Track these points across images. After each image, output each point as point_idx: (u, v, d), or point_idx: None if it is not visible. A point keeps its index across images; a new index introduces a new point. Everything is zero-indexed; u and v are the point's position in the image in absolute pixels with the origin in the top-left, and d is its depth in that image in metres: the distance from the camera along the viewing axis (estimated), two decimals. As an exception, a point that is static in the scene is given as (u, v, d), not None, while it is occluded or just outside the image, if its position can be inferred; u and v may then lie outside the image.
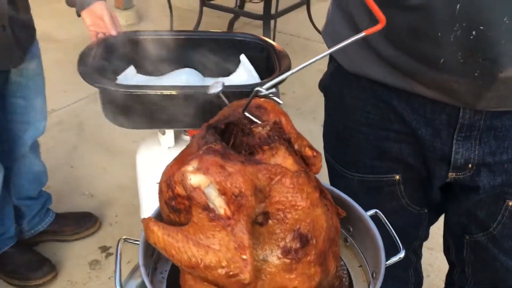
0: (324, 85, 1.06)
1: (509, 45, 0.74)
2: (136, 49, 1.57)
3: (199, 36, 1.64)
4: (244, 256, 0.57)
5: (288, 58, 1.46)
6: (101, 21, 1.47)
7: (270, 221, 0.61)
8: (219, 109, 0.72)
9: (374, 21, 0.85)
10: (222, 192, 0.57)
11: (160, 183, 0.63)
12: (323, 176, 0.98)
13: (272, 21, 3.39)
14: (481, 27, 0.74)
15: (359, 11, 0.89)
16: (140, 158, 1.61)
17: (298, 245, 0.62)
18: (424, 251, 2.07)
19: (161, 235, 0.60)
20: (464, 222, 1.01)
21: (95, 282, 1.94)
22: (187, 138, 1.58)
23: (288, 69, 1.42)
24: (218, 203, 0.57)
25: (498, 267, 1.01)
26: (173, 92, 1.30)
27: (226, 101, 0.67)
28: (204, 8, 3.50)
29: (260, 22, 3.44)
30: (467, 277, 1.09)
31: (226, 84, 0.69)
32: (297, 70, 0.62)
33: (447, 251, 1.14)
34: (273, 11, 3.37)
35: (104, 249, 2.09)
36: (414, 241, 1.16)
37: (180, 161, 0.61)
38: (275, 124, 0.64)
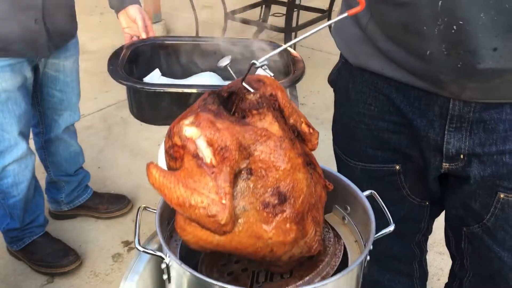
0: (332, 80, 1.15)
1: (485, 39, 0.81)
2: (161, 53, 1.68)
3: (219, 42, 1.75)
4: (223, 201, 0.66)
5: (302, 62, 1.54)
6: (135, 24, 1.60)
7: (252, 177, 0.69)
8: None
9: (372, 15, 0.94)
10: (210, 144, 0.66)
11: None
12: (333, 166, 1.06)
13: (294, 34, 3.50)
14: (460, 22, 0.81)
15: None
16: (162, 155, 1.71)
17: (276, 201, 0.69)
18: (436, 255, 2.10)
19: (158, 177, 0.70)
20: (461, 214, 1.07)
21: (117, 274, 2.05)
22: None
23: (302, 72, 1.50)
24: (206, 153, 0.66)
25: (493, 258, 1.05)
26: (195, 91, 1.41)
27: (233, 74, 0.76)
28: (229, 22, 3.64)
29: (282, 36, 3.56)
30: (466, 268, 1.15)
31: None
32: (287, 46, 0.72)
33: (448, 243, 1.19)
34: (294, 24, 3.48)
35: (126, 243, 2.20)
36: (417, 234, 1.21)
37: (181, 116, 0.71)
38: (271, 96, 0.73)
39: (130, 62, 1.58)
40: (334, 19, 0.73)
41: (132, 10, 1.62)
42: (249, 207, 0.69)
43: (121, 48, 1.61)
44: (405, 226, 0.93)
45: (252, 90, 0.72)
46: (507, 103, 0.91)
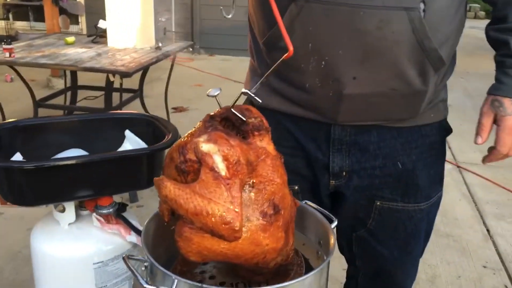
0: None
1: (346, 70, 1.03)
2: (20, 137, 1.58)
3: (82, 118, 1.72)
4: (236, 209, 0.74)
5: (172, 124, 1.63)
6: None
7: (254, 190, 0.78)
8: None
9: (268, 64, 1.12)
10: (225, 158, 0.74)
11: (169, 153, 0.78)
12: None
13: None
14: (326, 58, 1.02)
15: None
16: (36, 245, 1.53)
17: (272, 211, 0.79)
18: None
19: (173, 189, 0.75)
20: (351, 223, 1.26)
21: None
22: (85, 212, 1.58)
23: (177, 133, 1.57)
24: (221, 167, 0.74)
25: (378, 256, 1.26)
26: (72, 162, 1.35)
27: (220, 104, 0.84)
28: (40, 109, 3.48)
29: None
30: (358, 268, 1.34)
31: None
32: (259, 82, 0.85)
33: (341, 250, 1.37)
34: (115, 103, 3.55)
35: None
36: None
37: (190, 136, 0.77)
38: (261, 122, 0.83)
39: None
40: (273, 66, 0.84)
41: None
42: (251, 217, 0.78)
43: None
44: None
45: (243, 118, 0.82)
46: (374, 126, 1.13)
